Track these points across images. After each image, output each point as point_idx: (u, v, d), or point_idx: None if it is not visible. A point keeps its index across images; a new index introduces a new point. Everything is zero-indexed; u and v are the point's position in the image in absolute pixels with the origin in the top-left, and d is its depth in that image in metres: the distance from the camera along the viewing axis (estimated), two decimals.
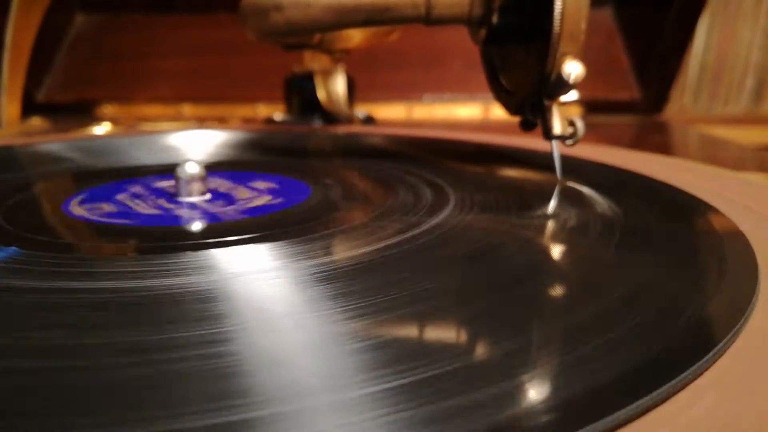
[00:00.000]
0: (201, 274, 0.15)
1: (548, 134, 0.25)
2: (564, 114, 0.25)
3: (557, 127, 0.25)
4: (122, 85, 0.70)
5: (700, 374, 0.10)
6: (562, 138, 0.25)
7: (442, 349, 0.11)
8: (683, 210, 0.21)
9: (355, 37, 0.37)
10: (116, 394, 0.09)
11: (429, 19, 0.25)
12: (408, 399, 0.09)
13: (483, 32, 0.26)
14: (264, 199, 0.23)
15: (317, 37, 0.34)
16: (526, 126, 0.27)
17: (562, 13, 0.22)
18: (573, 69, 0.23)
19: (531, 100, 0.25)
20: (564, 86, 0.23)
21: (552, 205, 0.22)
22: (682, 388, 0.10)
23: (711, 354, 0.11)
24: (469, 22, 0.25)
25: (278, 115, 0.54)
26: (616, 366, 0.10)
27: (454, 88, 0.68)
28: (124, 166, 0.31)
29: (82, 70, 0.71)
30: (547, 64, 0.23)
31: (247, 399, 0.09)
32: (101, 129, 0.52)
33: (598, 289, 0.14)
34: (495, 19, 0.25)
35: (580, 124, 0.25)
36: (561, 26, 0.22)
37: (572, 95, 0.24)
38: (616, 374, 0.10)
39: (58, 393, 0.09)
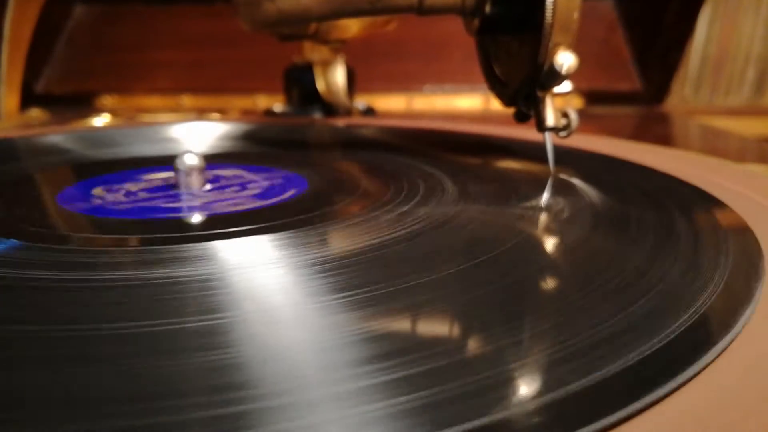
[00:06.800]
0: (201, 265, 0.15)
1: (541, 126, 0.25)
2: (563, 105, 0.25)
3: (550, 119, 0.25)
4: (121, 76, 0.70)
5: (702, 371, 0.10)
6: (555, 130, 0.25)
7: (439, 342, 0.11)
8: (683, 201, 0.21)
9: (351, 26, 0.37)
10: (115, 385, 0.10)
11: (422, 9, 0.25)
12: (405, 392, 0.09)
13: (476, 22, 0.26)
14: (263, 191, 0.23)
15: (312, 27, 0.34)
16: (520, 117, 0.27)
17: (555, 4, 0.22)
18: (565, 60, 0.22)
19: (524, 91, 0.25)
20: (556, 77, 0.23)
21: (546, 197, 0.22)
22: (683, 384, 0.10)
23: (714, 349, 0.10)
24: (463, 11, 0.25)
25: (278, 106, 0.54)
26: (614, 363, 0.10)
27: (454, 78, 0.68)
28: (123, 157, 0.31)
29: (82, 61, 0.71)
30: (540, 55, 0.23)
31: (247, 391, 0.09)
32: (100, 120, 0.53)
33: (595, 283, 0.13)
34: (488, 9, 0.25)
35: (573, 116, 0.25)
36: (553, 17, 0.22)
37: (566, 86, 0.24)
38: (614, 372, 0.10)
39: (59, 385, 0.10)
